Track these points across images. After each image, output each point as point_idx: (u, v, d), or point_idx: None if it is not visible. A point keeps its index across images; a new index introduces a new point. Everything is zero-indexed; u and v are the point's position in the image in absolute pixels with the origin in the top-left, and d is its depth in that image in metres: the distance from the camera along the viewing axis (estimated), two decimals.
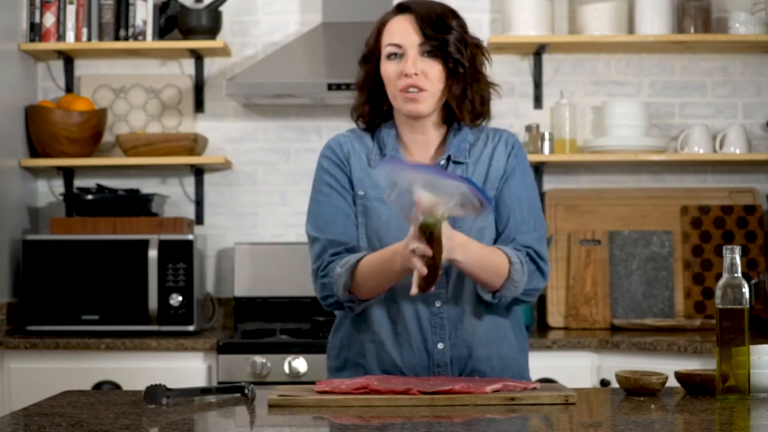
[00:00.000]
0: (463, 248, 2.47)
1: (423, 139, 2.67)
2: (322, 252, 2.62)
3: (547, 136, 4.67)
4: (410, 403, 2.31)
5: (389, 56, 2.61)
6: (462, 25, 2.62)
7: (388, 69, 2.61)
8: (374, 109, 2.69)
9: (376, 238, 2.62)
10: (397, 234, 2.55)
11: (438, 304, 2.61)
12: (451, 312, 2.61)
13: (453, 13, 2.63)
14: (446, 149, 2.65)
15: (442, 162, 2.63)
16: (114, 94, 4.85)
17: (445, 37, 2.58)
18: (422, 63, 2.58)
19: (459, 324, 2.62)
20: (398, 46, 2.59)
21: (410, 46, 2.58)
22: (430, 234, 2.34)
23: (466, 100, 2.63)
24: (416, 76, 2.57)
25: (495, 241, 2.64)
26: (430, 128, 2.66)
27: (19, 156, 4.61)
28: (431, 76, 2.58)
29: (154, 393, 2.40)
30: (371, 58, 2.66)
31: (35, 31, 4.65)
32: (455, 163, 2.64)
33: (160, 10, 4.70)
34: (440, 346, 2.61)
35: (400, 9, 2.63)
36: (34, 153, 4.70)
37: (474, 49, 2.63)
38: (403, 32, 2.59)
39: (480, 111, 2.66)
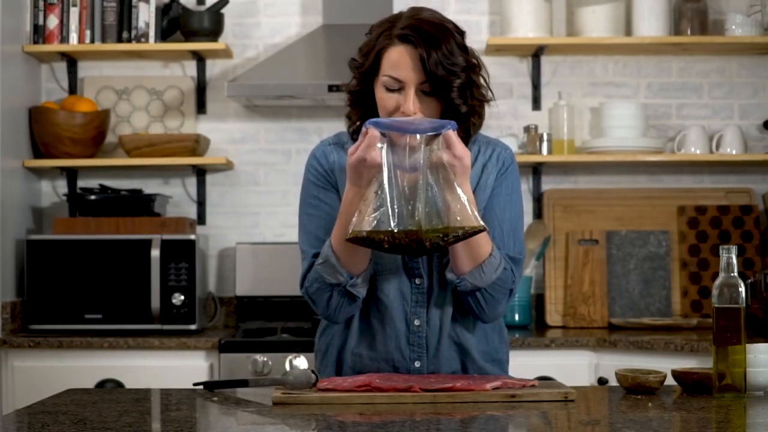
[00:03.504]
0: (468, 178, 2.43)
1: None
2: (308, 267, 2.58)
3: (545, 136, 4.69)
4: (412, 401, 2.32)
5: (386, 87, 2.48)
6: (465, 54, 2.48)
7: (384, 99, 2.49)
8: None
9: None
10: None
11: (417, 322, 2.59)
12: (430, 330, 2.59)
13: (456, 39, 2.47)
14: None
15: None
16: (117, 95, 4.87)
17: (450, 80, 2.44)
18: (421, 101, 2.47)
19: (437, 342, 2.60)
20: (398, 80, 2.45)
21: (410, 83, 2.44)
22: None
23: (462, 129, 2.52)
24: (414, 115, 2.46)
25: None
26: None
27: (23, 157, 4.63)
28: (428, 114, 2.48)
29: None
30: (367, 76, 2.53)
31: (39, 33, 4.67)
32: None
33: (162, 12, 4.72)
34: (417, 364, 2.60)
35: (403, 38, 2.45)
36: (37, 154, 4.72)
37: (476, 78, 2.51)
38: (404, 67, 2.44)
39: (474, 132, 2.58)
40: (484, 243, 2.48)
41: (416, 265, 2.57)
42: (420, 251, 2.37)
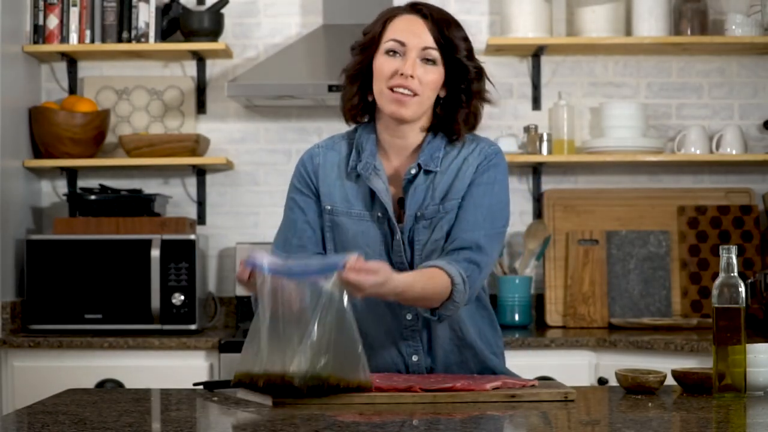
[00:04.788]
0: (397, 296, 2.41)
1: (402, 144, 2.63)
2: None
3: (545, 136, 4.70)
4: (412, 401, 2.32)
5: (388, 51, 2.54)
6: (469, 46, 2.58)
7: (382, 64, 2.54)
8: (362, 101, 2.63)
9: (344, 252, 2.58)
10: (364, 248, 2.55)
11: (409, 316, 2.60)
12: (423, 323, 2.60)
13: (462, 29, 2.58)
14: (419, 156, 2.60)
15: (414, 171, 2.59)
16: (117, 95, 4.88)
17: (457, 44, 2.54)
18: (420, 67, 2.52)
19: (432, 335, 2.61)
20: (401, 44, 2.52)
21: (413, 48, 2.52)
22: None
23: (461, 112, 2.59)
24: (411, 79, 2.51)
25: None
26: (411, 133, 2.61)
27: (23, 157, 4.64)
28: (426, 82, 2.53)
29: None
30: (368, 48, 2.58)
31: (39, 33, 4.67)
32: (426, 172, 2.59)
33: (162, 12, 4.73)
34: (414, 358, 2.61)
35: (413, 8, 2.57)
36: (37, 154, 4.72)
37: (479, 67, 2.59)
38: (410, 31, 2.53)
39: (471, 126, 2.63)
40: (440, 281, 2.45)
41: (400, 259, 2.58)
42: (299, 394, 2.26)
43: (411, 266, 2.58)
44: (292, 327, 2.25)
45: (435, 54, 2.54)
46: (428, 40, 2.53)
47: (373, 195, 2.60)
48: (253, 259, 2.29)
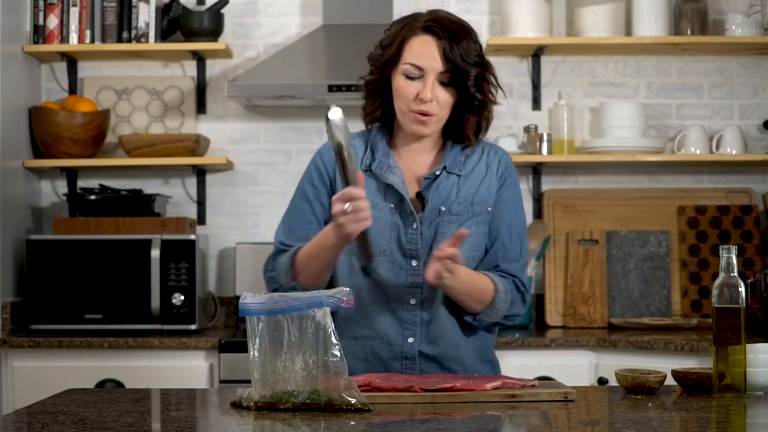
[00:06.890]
0: (458, 281, 2.57)
1: (418, 147, 2.73)
2: (274, 252, 2.72)
3: (545, 137, 4.70)
4: (412, 401, 2.32)
5: (407, 74, 2.62)
6: (481, 53, 2.64)
7: (403, 87, 2.63)
8: (384, 114, 2.73)
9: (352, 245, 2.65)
10: (387, 235, 2.64)
11: (413, 301, 2.66)
12: (424, 309, 2.67)
13: (473, 37, 2.64)
14: (443, 160, 2.71)
15: (438, 172, 2.69)
16: (117, 95, 4.88)
17: (468, 71, 2.60)
18: (439, 89, 2.61)
19: (431, 322, 2.67)
20: (419, 68, 2.61)
21: (431, 72, 2.60)
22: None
23: (474, 125, 2.69)
24: (431, 103, 2.61)
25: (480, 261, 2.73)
26: (426, 139, 2.72)
27: (23, 157, 4.64)
28: (442, 102, 2.62)
29: None
30: (386, 66, 2.66)
31: (39, 33, 4.67)
32: (449, 173, 2.70)
33: (162, 12, 4.73)
34: (410, 340, 2.67)
35: (427, 29, 2.62)
36: (37, 154, 4.72)
37: (488, 76, 2.66)
38: (427, 56, 2.60)
39: (484, 131, 2.73)
40: (485, 286, 2.65)
41: (413, 246, 2.66)
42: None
43: (426, 254, 2.65)
44: (283, 358, 2.28)
45: (449, 76, 2.62)
46: (443, 64, 2.60)
47: (387, 187, 2.68)
48: (244, 306, 2.30)
